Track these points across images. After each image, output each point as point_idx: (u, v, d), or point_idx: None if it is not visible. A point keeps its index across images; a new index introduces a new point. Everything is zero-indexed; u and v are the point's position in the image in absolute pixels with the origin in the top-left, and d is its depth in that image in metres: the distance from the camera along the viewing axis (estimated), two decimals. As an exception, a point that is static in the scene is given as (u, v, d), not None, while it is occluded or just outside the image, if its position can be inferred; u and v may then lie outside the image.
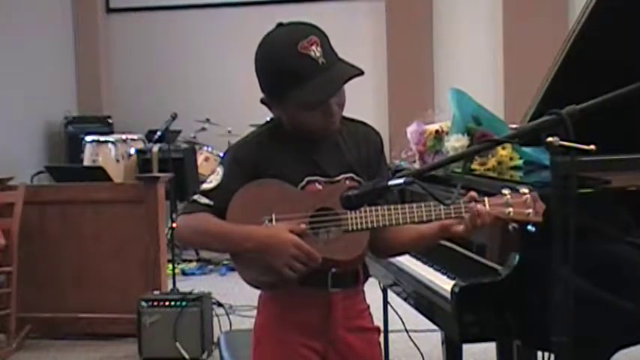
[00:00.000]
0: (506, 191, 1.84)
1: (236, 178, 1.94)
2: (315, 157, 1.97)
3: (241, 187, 1.93)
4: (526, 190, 1.83)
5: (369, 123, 2.12)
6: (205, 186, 1.98)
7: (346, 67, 1.89)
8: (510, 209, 1.83)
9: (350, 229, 1.89)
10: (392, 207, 1.88)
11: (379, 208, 1.88)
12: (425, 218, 1.88)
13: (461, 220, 1.87)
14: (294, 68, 1.84)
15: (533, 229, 1.89)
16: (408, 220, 1.88)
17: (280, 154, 1.96)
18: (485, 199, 1.84)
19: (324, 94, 1.86)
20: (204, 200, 1.95)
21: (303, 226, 1.88)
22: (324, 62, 1.84)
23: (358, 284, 2.05)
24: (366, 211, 1.88)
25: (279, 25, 1.93)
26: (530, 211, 1.82)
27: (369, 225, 1.89)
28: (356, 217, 1.88)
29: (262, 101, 1.97)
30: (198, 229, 1.96)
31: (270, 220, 1.91)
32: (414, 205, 1.88)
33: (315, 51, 1.84)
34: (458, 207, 1.85)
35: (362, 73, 1.87)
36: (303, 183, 1.94)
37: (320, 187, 1.95)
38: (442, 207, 1.85)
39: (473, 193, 1.86)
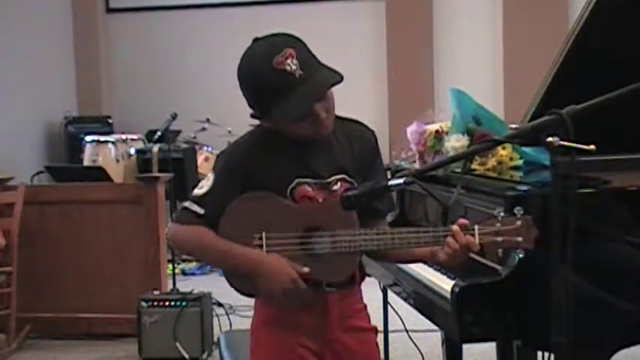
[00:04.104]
0: (499, 213, 1.83)
1: (227, 184, 1.95)
2: (307, 158, 1.97)
3: (233, 191, 1.94)
4: (519, 215, 1.81)
5: (367, 123, 2.11)
6: (197, 192, 1.98)
7: (326, 74, 1.88)
8: (500, 238, 1.82)
9: (339, 251, 1.90)
10: (380, 231, 1.91)
11: (367, 232, 1.91)
12: (413, 245, 1.90)
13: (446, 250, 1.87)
14: (271, 85, 1.84)
15: (522, 255, 1.89)
16: (397, 246, 1.91)
17: (271, 156, 1.96)
18: (475, 227, 1.84)
19: (304, 107, 1.86)
20: (195, 208, 1.96)
21: (305, 269, 1.89)
22: (301, 74, 1.84)
23: (354, 284, 2.05)
24: (354, 234, 1.90)
25: (255, 40, 1.92)
26: (521, 239, 1.81)
27: (358, 248, 1.91)
28: (345, 240, 1.90)
29: (252, 116, 1.98)
30: (196, 242, 1.98)
31: (261, 239, 1.92)
32: (404, 229, 1.90)
33: (291, 64, 1.84)
34: (447, 234, 1.85)
35: (342, 79, 1.86)
36: (293, 184, 1.95)
37: (310, 188, 1.95)
38: (432, 234, 1.87)
39: (463, 221, 1.86)
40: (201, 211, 1.95)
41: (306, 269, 1.89)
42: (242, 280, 1.94)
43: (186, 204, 1.98)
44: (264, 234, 1.92)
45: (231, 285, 1.96)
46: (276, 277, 1.89)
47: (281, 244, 1.91)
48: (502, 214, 1.83)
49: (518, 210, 1.82)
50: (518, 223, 1.81)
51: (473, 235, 1.84)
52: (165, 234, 2.05)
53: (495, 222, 1.83)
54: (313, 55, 1.90)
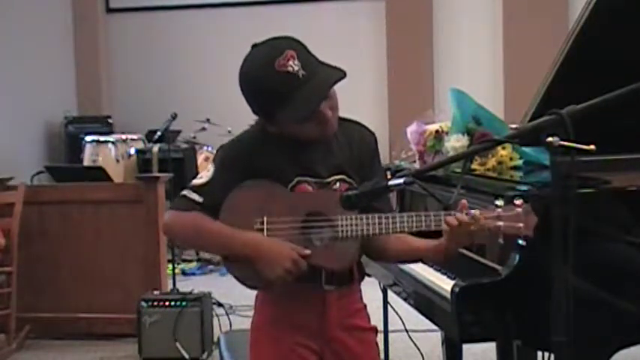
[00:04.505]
0: (499, 202, 1.83)
1: (226, 177, 1.95)
2: (306, 157, 1.97)
3: (231, 185, 1.94)
4: (519, 203, 1.82)
5: (367, 123, 2.11)
6: (195, 181, 1.99)
7: (328, 72, 1.88)
8: (501, 223, 1.82)
9: (340, 236, 1.89)
10: (382, 216, 1.89)
11: (370, 216, 1.89)
12: (415, 228, 1.89)
13: (447, 235, 1.87)
14: (275, 88, 1.84)
15: (524, 243, 1.89)
16: (398, 229, 1.90)
17: (271, 154, 1.96)
18: (477, 212, 1.84)
19: (310, 106, 1.86)
20: (193, 196, 1.95)
21: (306, 251, 1.89)
22: (304, 74, 1.84)
23: (353, 283, 2.05)
24: (356, 219, 1.89)
25: (254, 45, 1.92)
26: (521, 225, 1.81)
27: (359, 233, 1.90)
28: (347, 225, 1.89)
29: (257, 122, 1.98)
30: (193, 226, 1.96)
31: (262, 223, 1.92)
32: (405, 214, 1.89)
33: (293, 65, 1.84)
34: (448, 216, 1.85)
35: (344, 75, 1.87)
36: (293, 182, 1.95)
37: (310, 187, 1.96)
38: (432, 217, 1.86)
39: (464, 202, 1.86)
40: (199, 199, 1.95)
41: (307, 251, 1.89)
42: (243, 268, 1.93)
43: (184, 192, 1.98)
44: (265, 218, 1.92)
45: (232, 273, 1.95)
46: (277, 259, 1.88)
47: (282, 228, 1.91)
48: (501, 202, 1.83)
49: (517, 199, 1.83)
50: (519, 210, 1.82)
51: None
52: (163, 224, 2.03)
53: (496, 208, 1.83)
54: (313, 55, 1.90)
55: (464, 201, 1.86)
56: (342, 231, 1.89)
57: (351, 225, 1.89)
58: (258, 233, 1.92)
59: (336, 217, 1.89)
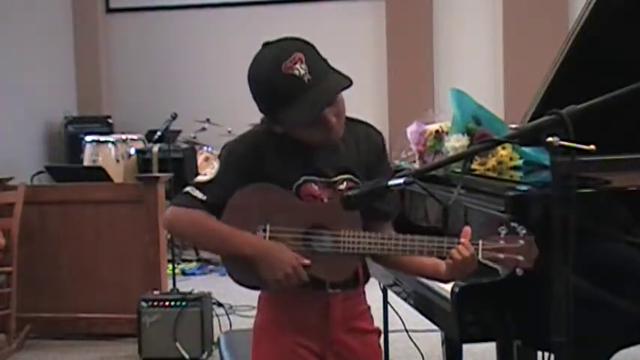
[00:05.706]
0: (502, 231, 1.83)
1: (231, 175, 1.95)
2: (312, 157, 1.97)
3: (235, 184, 1.93)
4: (522, 234, 1.82)
5: (369, 123, 2.11)
6: (200, 178, 1.98)
7: (335, 79, 1.88)
8: (502, 255, 1.82)
9: (342, 251, 1.90)
10: (385, 236, 1.90)
11: (373, 235, 1.90)
12: (417, 254, 1.90)
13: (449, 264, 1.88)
14: (280, 90, 1.84)
15: (521, 273, 1.90)
16: (400, 253, 1.90)
17: (277, 153, 1.96)
18: (480, 242, 1.84)
19: (313, 111, 1.85)
20: (197, 193, 1.95)
21: (306, 261, 1.89)
22: (310, 79, 1.84)
23: (358, 285, 2.05)
24: (359, 236, 1.89)
25: (265, 44, 1.92)
26: (522, 258, 1.81)
27: (361, 251, 1.91)
28: (349, 242, 1.89)
29: (263, 121, 1.98)
30: (194, 224, 1.96)
31: (265, 230, 1.92)
32: (408, 237, 1.89)
33: (300, 69, 1.83)
34: (451, 246, 1.85)
35: (351, 84, 1.86)
36: (300, 182, 1.94)
37: (316, 187, 1.95)
38: (436, 244, 1.87)
39: (467, 229, 1.86)
40: (202, 197, 1.94)
41: (307, 261, 1.89)
42: (243, 270, 1.93)
43: (188, 189, 1.97)
44: (268, 226, 1.92)
45: (231, 276, 1.95)
46: (277, 262, 1.88)
47: (284, 238, 1.91)
48: (505, 231, 1.83)
49: (521, 229, 1.82)
50: (521, 242, 1.81)
51: (476, 249, 1.84)
52: (164, 218, 2.03)
53: (499, 239, 1.83)
54: (323, 59, 1.89)
55: (467, 228, 1.86)
56: (344, 247, 1.90)
57: (353, 242, 1.89)
58: (261, 236, 1.92)
59: (339, 232, 1.89)
